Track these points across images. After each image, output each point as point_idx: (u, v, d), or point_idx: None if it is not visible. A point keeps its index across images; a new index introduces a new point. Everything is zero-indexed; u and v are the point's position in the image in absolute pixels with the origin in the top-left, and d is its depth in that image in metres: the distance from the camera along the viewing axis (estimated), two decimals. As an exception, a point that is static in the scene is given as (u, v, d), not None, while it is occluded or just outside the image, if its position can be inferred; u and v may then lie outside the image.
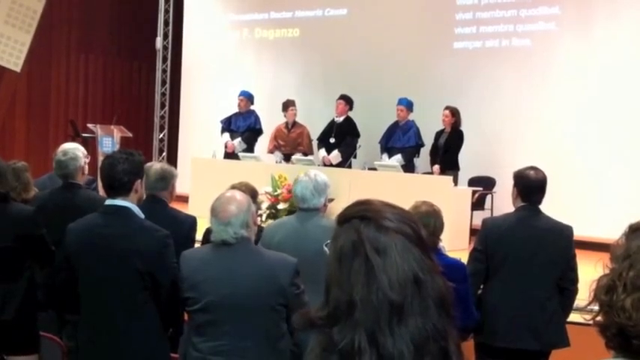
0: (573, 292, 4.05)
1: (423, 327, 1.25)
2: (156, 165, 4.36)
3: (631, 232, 1.53)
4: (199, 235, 4.35)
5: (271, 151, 10.21)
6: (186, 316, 3.33)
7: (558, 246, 4.04)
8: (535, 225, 4.04)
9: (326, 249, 1.37)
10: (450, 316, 1.30)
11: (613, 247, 1.53)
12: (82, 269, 3.35)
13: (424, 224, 3.60)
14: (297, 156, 9.74)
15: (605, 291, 1.45)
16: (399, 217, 1.33)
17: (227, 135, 10.51)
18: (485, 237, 4.13)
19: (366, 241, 1.29)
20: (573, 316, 4.30)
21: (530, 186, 4.05)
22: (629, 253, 1.47)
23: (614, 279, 1.45)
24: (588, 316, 1.52)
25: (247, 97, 10.47)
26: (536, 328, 3.97)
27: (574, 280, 4.04)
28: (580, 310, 4.09)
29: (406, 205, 3.77)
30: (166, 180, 4.25)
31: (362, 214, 1.33)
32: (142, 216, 3.38)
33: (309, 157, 9.65)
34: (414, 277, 1.27)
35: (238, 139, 10.36)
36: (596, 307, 1.50)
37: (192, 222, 4.27)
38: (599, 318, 1.47)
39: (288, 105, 10.11)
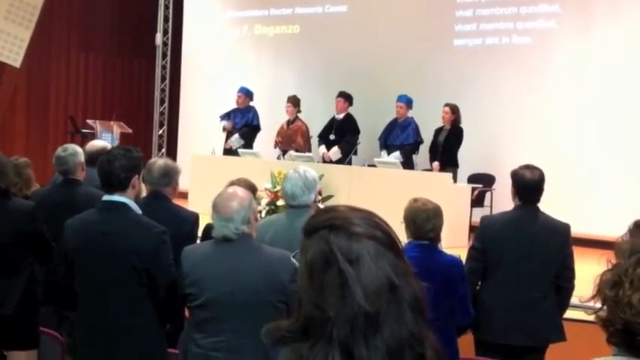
0: (569, 289, 4.06)
1: (398, 334, 1.20)
2: (160, 161, 4.35)
3: (636, 228, 1.53)
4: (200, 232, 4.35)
5: (275, 146, 10.24)
6: (187, 313, 3.33)
7: (553, 244, 4.04)
8: (530, 223, 4.04)
9: (294, 260, 1.31)
10: (426, 319, 1.25)
11: (618, 242, 1.52)
12: (79, 265, 3.36)
13: (433, 223, 3.67)
14: (291, 152, 9.74)
15: (611, 286, 1.44)
16: (369, 221, 1.27)
17: (225, 122, 10.42)
18: (482, 235, 4.14)
19: (337, 252, 1.22)
20: (572, 313, 4.30)
21: (525, 186, 4.05)
22: (635, 249, 1.46)
23: (620, 274, 1.44)
24: (590, 312, 1.52)
25: (245, 94, 10.44)
26: (530, 326, 3.98)
27: (570, 277, 4.04)
28: (581, 306, 4.09)
29: (404, 202, 3.82)
30: (170, 176, 4.24)
31: (330, 222, 1.26)
32: (140, 212, 3.38)
33: (309, 154, 9.64)
34: (389, 283, 1.22)
35: (236, 136, 10.34)
36: (597, 304, 1.50)
37: (195, 218, 4.26)
38: (602, 313, 1.47)
39: (286, 101, 10.11)
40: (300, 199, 3.81)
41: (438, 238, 3.77)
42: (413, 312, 1.23)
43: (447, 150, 8.93)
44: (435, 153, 9.06)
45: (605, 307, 1.45)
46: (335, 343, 1.19)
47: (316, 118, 10.23)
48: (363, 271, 1.21)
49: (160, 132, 12.94)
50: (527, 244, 4.00)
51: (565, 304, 4.13)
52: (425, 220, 3.69)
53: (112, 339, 3.28)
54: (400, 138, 9.26)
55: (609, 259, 1.53)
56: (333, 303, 1.20)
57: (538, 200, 4.09)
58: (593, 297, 1.50)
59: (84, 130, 11.28)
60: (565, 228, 4.09)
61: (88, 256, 3.31)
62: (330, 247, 1.23)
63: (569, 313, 4.26)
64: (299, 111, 10.09)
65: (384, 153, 9.35)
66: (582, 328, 4.14)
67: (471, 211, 8.42)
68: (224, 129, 10.39)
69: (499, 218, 4.27)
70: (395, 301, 1.21)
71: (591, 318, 1.53)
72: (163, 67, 12.82)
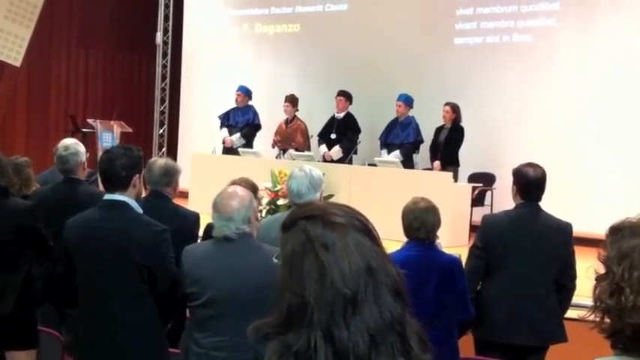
0: (571, 288, 4.06)
1: (379, 315, 1.24)
2: (160, 160, 4.37)
3: (615, 232, 1.50)
4: (201, 231, 4.35)
5: (273, 146, 10.24)
6: (188, 312, 3.33)
7: (556, 243, 4.04)
8: (533, 222, 4.04)
9: (276, 261, 1.35)
10: (405, 303, 1.28)
11: (602, 250, 1.50)
12: (80, 263, 3.36)
13: (422, 221, 3.67)
14: (291, 151, 9.74)
15: (609, 294, 1.42)
16: (345, 212, 1.31)
17: (225, 130, 10.49)
18: (485, 234, 4.13)
19: (314, 239, 1.27)
20: (570, 312, 4.30)
21: (528, 183, 4.04)
22: (624, 253, 1.44)
23: (618, 281, 1.42)
24: (588, 316, 1.49)
25: (245, 92, 10.44)
26: (534, 324, 3.97)
27: (572, 277, 4.04)
28: (578, 304, 4.09)
29: (405, 201, 3.82)
30: (170, 175, 4.26)
31: (307, 214, 1.31)
32: (140, 211, 3.38)
33: (309, 153, 9.64)
34: (366, 266, 1.25)
35: (237, 135, 10.35)
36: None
37: (195, 218, 4.28)
38: (606, 322, 1.44)
39: (284, 100, 10.10)
40: (305, 197, 3.82)
41: (430, 237, 3.75)
42: (393, 295, 1.26)
43: (447, 149, 8.92)
44: (435, 152, 9.06)
45: (608, 317, 1.43)
46: (317, 328, 1.22)
47: (316, 116, 10.22)
48: (339, 254, 1.25)
49: (161, 131, 12.94)
50: (531, 242, 3.99)
51: (567, 304, 4.12)
52: (412, 219, 3.70)
53: (112, 334, 3.28)
54: (400, 137, 9.25)
55: (595, 268, 1.51)
56: (312, 288, 1.24)
57: (540, 198, 4.08)
58: (593, 310, 1.47)
59: (84, 130, 11.27)
60: (568, 227, 4.09)
61: (88, 253, 3.32)
62: (307, 235, 1.28)
63: (568, 312, 4.26)
64: (297, 110, 10.10)
65: (384, 152, 9.35)
66: (579, 327, 4.14)
67: (472, 210, 8.42)
68: (224, 142, 10.40)
69: (502, 217, 4.25)
70: (373, 284, 1.25)
71: (584, 314, 1.52)
72: (164, 66, 12.82)
